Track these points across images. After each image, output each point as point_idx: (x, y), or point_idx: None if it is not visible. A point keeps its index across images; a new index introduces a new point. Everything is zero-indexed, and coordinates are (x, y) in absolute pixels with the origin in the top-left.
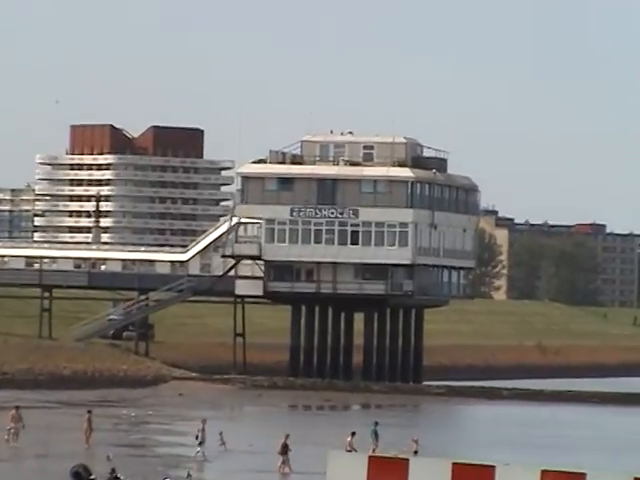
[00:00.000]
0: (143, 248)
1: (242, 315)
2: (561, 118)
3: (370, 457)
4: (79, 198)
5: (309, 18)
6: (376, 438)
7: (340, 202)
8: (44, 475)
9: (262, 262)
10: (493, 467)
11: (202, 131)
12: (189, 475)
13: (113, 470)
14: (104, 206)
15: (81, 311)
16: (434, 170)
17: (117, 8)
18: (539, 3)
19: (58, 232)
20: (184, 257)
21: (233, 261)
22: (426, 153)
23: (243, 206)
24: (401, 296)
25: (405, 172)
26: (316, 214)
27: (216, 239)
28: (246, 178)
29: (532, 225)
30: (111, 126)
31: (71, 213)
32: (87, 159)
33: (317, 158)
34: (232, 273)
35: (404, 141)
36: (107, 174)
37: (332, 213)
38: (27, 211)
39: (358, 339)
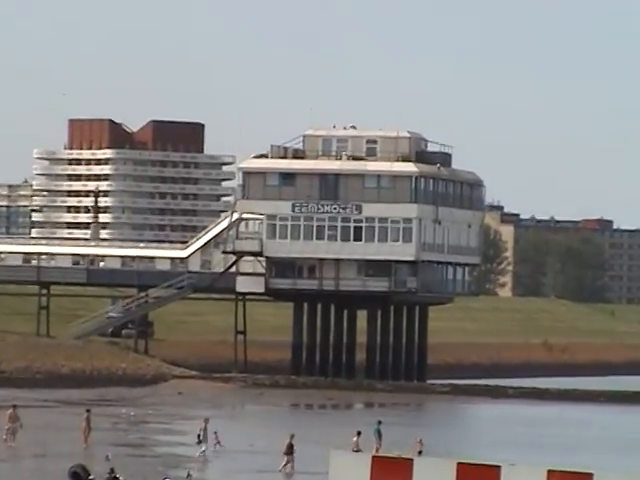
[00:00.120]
0: (142, 244)
1: (243, 312)
2: (568, 113)
3: (374, 457)
4: (77, 193)
5: (312, 12)
6: (379, 437)
7: (343, 197)
8: (42, 475)
9: (263, 258)
10: (498, 467)
11: (203, 125)
12: (189, 475)
13: (112, 470)
14: (103, 202)
15: (79, 308)
16: (438, 165)
17: (117, 3)
18: None
19: (56, 228)
20: (184, 253)
21: (234, 257)
22: (430, 148)
23: (244, 201)
24: (405, 293)
25: (409, 167)
26: (318, 210)
27: (217, 235)
28: (247, 173)
29: (538, 221)
30: (110, 120)
31: (69, 209)
32: (86, 154)
33: (319, 153)
34: (233, 270)
35: (408, 135)
36: (106, 169)
37: (335, 209)
38: (25, 207)
39: (361, 337)
